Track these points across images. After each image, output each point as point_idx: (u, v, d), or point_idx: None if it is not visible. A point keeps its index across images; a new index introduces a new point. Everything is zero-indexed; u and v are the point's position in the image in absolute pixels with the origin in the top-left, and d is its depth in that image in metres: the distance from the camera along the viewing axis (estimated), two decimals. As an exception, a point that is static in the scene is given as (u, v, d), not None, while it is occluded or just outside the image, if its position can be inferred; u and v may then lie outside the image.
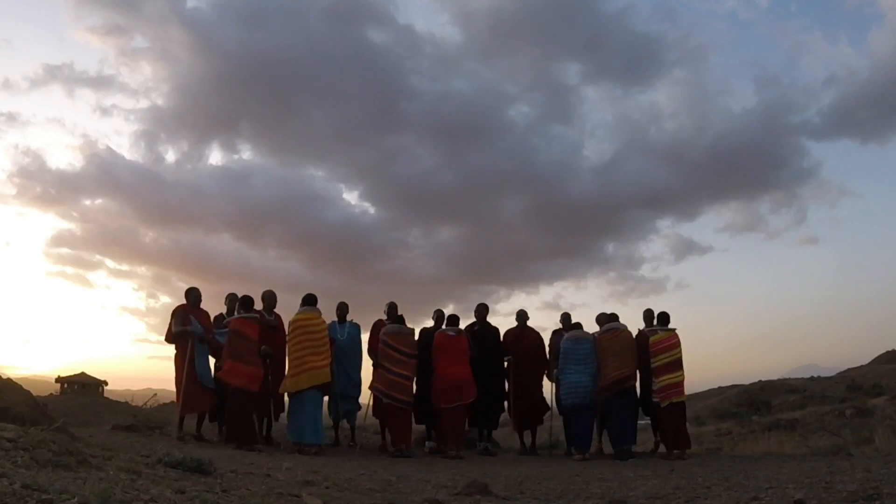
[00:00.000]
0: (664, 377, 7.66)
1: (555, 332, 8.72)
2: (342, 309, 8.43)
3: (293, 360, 7.40)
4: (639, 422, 8.42)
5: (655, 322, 8.13)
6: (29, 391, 6.66)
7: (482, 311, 8.70)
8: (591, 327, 8.43)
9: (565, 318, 8.68)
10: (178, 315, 7.64)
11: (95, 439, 5.33)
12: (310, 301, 7.67)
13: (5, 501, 2.23)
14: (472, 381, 7.85)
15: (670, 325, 8.04)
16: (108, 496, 2.50)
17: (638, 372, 7.96)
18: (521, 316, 8.79)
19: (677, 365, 7.74)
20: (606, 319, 8.19)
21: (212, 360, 7.83)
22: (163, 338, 7.80)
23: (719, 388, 42.04)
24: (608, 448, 8.11)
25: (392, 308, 8.42)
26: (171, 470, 3.66)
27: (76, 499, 2.38)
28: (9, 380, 6.47)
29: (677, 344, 7.84)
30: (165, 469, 3.65)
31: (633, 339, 8.00)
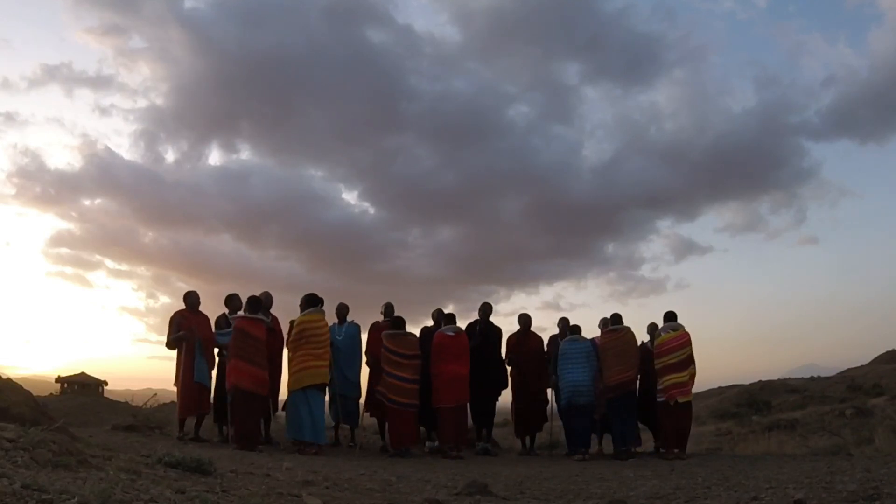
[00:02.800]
0: (669, 377, 7.56)
1: (552, 338, 8.62)
2: (342, 310, 8.42)
3: (295, 359, 7.39)
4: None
5: (661, 322, 8.04)
6: (29, 391, 6.63)
7: (486, 309, 8.66)
8: (591, 331, 8.42)
9: (563, 322, 8.58)
10: (175, 321, 7.65)
11: (95, 439, 5.33)
12: (314, 302, 7.59)
13: (5, 501, 2.23)
14: (468, 382, 7.81)
15: (677, 324, 7.88)
16: (108, 496, 2.50)
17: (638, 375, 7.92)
18: (524, 321, 8.72)
19: (683, 365, 7.60)
20: (607, 324, 8.17)
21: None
22: (163, 337, 7.79)
23: (719, 388, 41.92)
24: (608, 448, 8.10)
25: (389, 308, 8.39)
26: (171, 470, 3.66)
27: (76, 499, 2.38)
28: (9, 380, 6.44)
29: (686, 343, 7.70)
30: (165, 469, 3.66)
31: (635, 340, 7.98)
